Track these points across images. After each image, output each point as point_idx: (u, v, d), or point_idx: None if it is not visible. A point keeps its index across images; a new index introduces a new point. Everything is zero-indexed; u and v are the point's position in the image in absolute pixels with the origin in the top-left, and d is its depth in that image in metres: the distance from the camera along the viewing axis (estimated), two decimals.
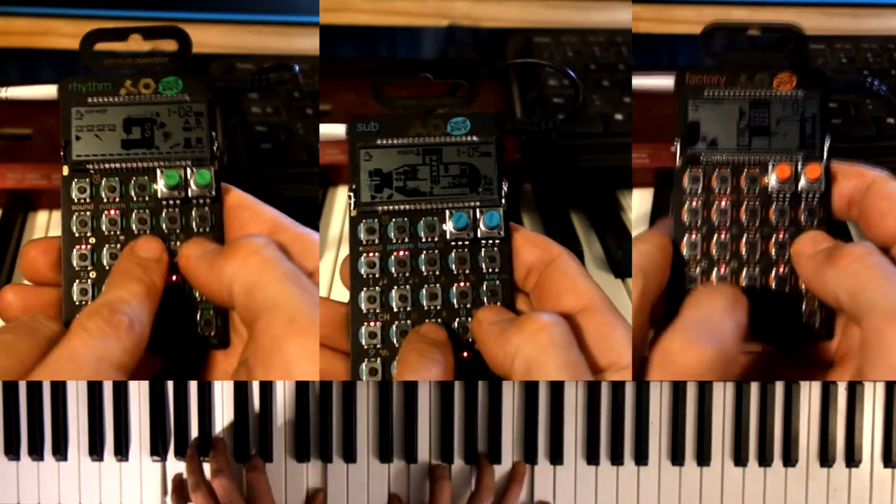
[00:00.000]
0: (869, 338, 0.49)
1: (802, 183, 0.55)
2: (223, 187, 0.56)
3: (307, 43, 1.02)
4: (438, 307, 0.54)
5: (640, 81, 0.57)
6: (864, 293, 0.50)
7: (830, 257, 0.52)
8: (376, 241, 0.54)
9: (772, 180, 0.56)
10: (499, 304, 0.53)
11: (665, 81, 0.57)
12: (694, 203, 0.56)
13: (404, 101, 0.55)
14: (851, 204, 0.56)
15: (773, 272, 0.56)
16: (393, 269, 0.54)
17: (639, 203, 0.94)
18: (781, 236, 0.56)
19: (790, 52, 0.57)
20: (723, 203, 0.56)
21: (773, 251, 0.56)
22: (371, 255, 0.54)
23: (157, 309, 0.52)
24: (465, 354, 0.53)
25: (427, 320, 0.53)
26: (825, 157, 0.56)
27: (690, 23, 1.07)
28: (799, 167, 0.55)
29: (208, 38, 1.03)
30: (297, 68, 0.59)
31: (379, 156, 0.54)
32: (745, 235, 0.56)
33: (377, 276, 0.54)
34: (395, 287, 0.54)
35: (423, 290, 0.54)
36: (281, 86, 0.59)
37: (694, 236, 0.56)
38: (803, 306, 0.56)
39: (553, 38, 1.05)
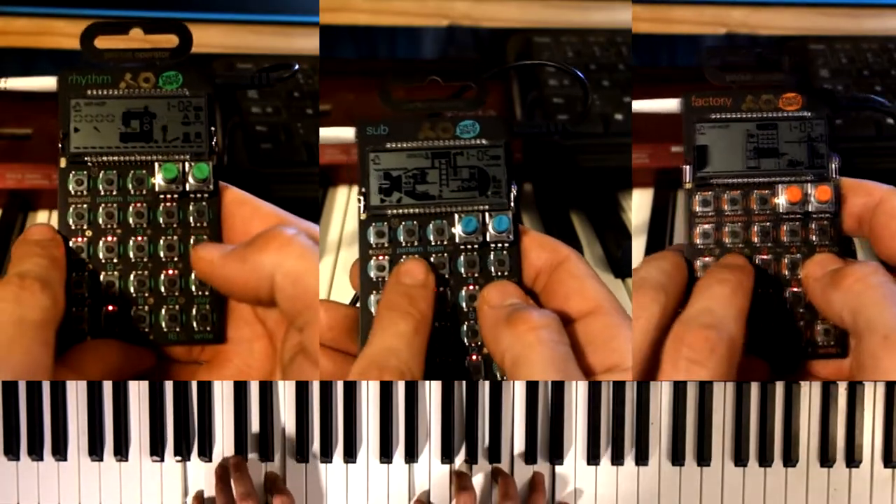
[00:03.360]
0: (864, 360, 0.49)
1: (813, 204, 0.56)
2: (220, 186, 0.55)
3: (307, 43, 1.02)
4: (448, 310, 0.54)
5: (642, 105, 0.57)
6: (864, 313, 0.50)
7: (835, 278, 0.53)
8: (386, 245, 0.54)
9: (782, 201, 0.56)
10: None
11: (668, 105, 0.57)
12: (706, 226, 0.56)
13: (412, 103, 0.55)
14: (861, 222, 0.56)
15: (787, 291, 0.56)
16: None
17: (639, 203, 0.94)
18: (793, 256, 0.56)
19: (791, 69, 0.57)
20: (734, 225, 0.56)
21: (785, 271, 0.56)
22: (381, 258, 0.54)
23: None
24: (475, 358, 0.53)
25: (406, 256, 0.53)
26: (834, 176, 0.56)
27: (690, 23, 1.07)
28: (809, 189, 0.56)
29: (209, 37, 1.03)
30: (296, 66, 0.59)
31: (388, 159, 0.54)
32: (757, 256, 0.56)
33: (387, 279, 0.54)
34: None
35: None
36: (281, 82, 0.59)
37: (707, 258, 0.56)
38: (818, 325, 0.56)
39: (553, 38, 1.05)
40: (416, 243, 0.54)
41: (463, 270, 0.54)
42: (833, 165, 0.56)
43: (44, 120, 0.94)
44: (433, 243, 0.54)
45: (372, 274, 0.54)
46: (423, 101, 0.55)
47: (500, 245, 0.54)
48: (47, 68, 0.56)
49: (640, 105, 0.57)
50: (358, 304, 0.54)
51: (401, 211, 0.54)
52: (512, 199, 0.54)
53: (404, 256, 0.54)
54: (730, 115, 0.57)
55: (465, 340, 0.53)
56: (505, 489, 0.80)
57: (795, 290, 0.56)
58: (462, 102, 0.55)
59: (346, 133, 0.55)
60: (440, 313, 0.53)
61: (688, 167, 0.57)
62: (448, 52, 1.08)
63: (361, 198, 0.54)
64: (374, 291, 0.53)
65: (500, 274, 0.54)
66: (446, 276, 0.54)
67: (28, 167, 0.93)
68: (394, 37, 1.09)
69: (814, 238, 0.56)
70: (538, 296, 0.54)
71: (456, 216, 0.54)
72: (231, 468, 0.82)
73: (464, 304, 0.54)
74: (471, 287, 0.54)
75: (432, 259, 0.54)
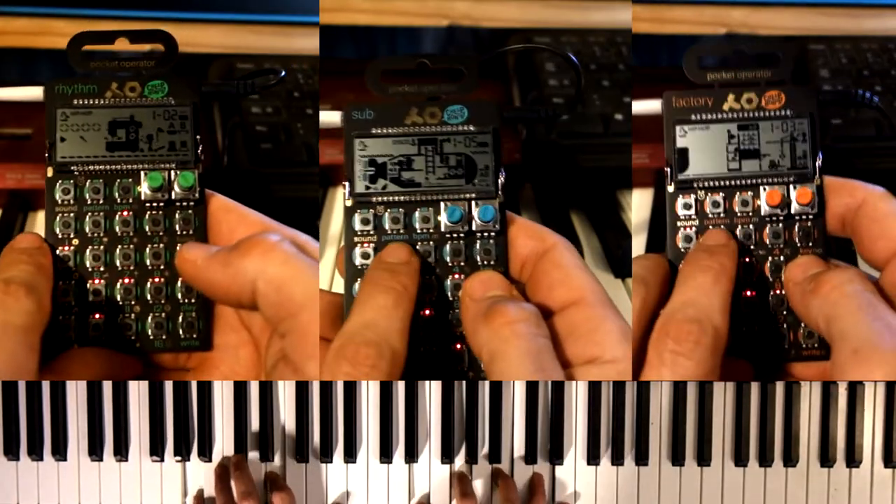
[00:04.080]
0: (834, 372, 0.49)
1: (794, 207, 0.55)
2: (206, 193, 0.55)
3: (307, 43, 1.02)
4: (433, 298, 0.53)
5: (634, 107, 0.57)
6: (837, 322, 0.49)
7: (813, 284, 0.52)
8: (371, 232, 0.53)
9: (763, 205, 0.55)
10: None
11: (654, 106, 0.56)
12: (688, 229, 0.55)
13: (400, 87, 0.54)
14: (844, 223, 0.55)
15: (770, 294, 0.55)
16: None
17: (639, 203, 0.94)
18: (777, 258, 0.55)
19: (781, 69, 0.56)
20: (717, 228, 0.55)
21: (768, 273, 0.55)
22: (366, 245, 0.53)
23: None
24: (459, 347, 0.53)
25: (391, 243, 0.53)
26: (817, 176, 0.55)
27: (690, 23, 1.07)
28: (790, 191, 0.55)
29: (208, 38, 1.03)
30: (283, 73, 0.59)
31: (374, 145, 0.54)
32: (741, 258, 0.55)
33: None
34: None
35: None
36: (266, 89, 0.59)
37: None
38: (801, 327, 0.55)
39: (553, 38, 1.05)
40: (401, 231, 0.53)
41: (448, 259, 0.53)
42: (816, 165, 0.55)
43: (44, 120, 0.94)
44: (419, 231, 0.53)
45: (357, 261, 0.53)
46: (412, 85, 0.54)
47: (485, 234, 0.53)
48: (46, 68, 0.56)
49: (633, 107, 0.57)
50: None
51: (386, 198, 0.53)
52: (500, 186, 0.54)
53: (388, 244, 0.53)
54: (711, 115, 0.55)
55: (450, 329, 0.53)
56: (506, 493, 0.80)
57: (779, 292, 0.55)
58: (453, 87, 0.55)
59: (336, 117, 0.55)
60: (425, 302, 0.53)
61: (669, 170, 0.56)
62: (448, 52, 1.09)
63: (347, 184, 0.54)
64: (359, 279, 0.53)
65: (486, 263, 0.53)
66: (432, 265, 0.53)
67: (28, 167, 0.93)
68: (394, 37, 1.09)
69: (797, 240, 0.55)
70: (525, 286, 0.53)
71: (442, 204, 0.53)
72: (231, 467, 0.82)
73: (449, 293, 0.53)
74: (456, 276, 0.53)
75: (418, 247, 0.53)
